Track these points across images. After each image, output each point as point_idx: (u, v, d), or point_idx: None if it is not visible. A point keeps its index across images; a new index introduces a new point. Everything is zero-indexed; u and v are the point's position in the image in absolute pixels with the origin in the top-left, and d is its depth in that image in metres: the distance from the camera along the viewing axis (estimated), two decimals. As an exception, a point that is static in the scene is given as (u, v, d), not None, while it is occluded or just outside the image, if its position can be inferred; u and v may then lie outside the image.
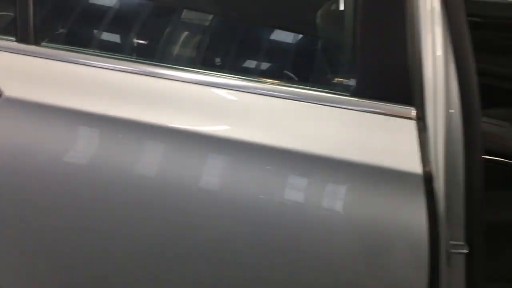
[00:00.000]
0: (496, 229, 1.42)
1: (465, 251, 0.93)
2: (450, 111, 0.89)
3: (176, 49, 1.23)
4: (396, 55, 0.87)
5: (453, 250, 0.93)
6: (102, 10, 1.25)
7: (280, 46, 1.22)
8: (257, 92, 0.96)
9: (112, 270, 1.02)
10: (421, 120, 0.85)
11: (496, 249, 1.35)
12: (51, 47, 1.10)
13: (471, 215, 0.94)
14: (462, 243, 0.94)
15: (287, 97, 0.94)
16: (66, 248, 1.04)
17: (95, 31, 1.22)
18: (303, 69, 1.11)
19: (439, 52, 0.87)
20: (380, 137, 0.86)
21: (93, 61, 1.04)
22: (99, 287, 1.05)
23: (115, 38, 1.25)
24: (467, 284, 0.98)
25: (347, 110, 0.89)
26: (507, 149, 1.68)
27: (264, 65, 1.20)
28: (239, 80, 0.98)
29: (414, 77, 0.85)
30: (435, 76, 0.86)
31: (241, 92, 0.97)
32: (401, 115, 0.85)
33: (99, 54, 1.09)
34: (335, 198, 0.89)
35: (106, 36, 1.22)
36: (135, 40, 1.22)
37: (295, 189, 0.91)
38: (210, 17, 1.29)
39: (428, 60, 0.86)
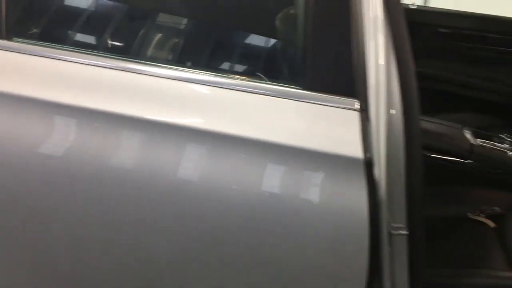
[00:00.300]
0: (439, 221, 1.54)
1: (405, 232, 1.02)
2: (391, 111, 0.99)
3: (147, 46, 1.30)
4: (342, 55, 0.97)
5: (394, 232, 1.02)
6: (76, 6, 1.31)
7: (247, 46, 1.31)
8: (226, 87, 1.04)
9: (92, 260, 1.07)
10: (364, 111, 0.94)
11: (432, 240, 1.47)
12: (24, 42, 1.15)
13: (411, 201, 1.04)
14: (403, 225, 1.03)
15: (251, 91, 1.03)
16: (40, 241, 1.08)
17: (68, 27, 1.27)
18: (265, 66, 1.20)
19: (381, 53, 0.96)
20: (327, 126, 0.96)
21: (67, 56, 1.10)
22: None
23: (88, 34, 1.31)
24: (409, 263, 1.07)
25: (300, 102, 0.98)
26: (456, 148, 1.80)
27: (234, 64, 1.27)
28: (209, 76, 1.06)
29: (358, 74, 0.95)
30: (378, 75, 0.95)
31: (211, 87, 1.05)
32: (346, 106, 0.94)
33: (72, 49, 1.15)
34: (289, 183, 0.97)
35: (79, 31, 1.28)
36: (108, 36, 1.28)
37: (255, 176, 0.99)
38: (183, 19, 1.37)
39: (371, 61, 0.96)
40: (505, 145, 1.89)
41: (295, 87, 1.02)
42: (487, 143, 1.88)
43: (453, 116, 2.24)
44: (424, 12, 2.62)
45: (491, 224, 1.59)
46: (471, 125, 2.16)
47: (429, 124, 1.94)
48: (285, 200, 0.95)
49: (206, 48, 1.25)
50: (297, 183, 0.95)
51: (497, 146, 1.87)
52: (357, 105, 0.95)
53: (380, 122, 0.96)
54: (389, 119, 0.97)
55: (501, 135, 1.99)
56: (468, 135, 1.89)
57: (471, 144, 1.81)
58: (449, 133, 1.89)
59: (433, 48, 2.62)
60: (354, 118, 0.94)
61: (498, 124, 2.24)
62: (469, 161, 1.77)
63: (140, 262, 1.06)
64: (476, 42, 2.54)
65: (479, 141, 1.87)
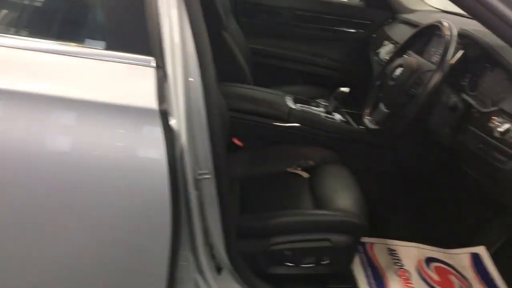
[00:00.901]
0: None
1: (208, 176, 1.17)
2: (190, 79, 1.11)
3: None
4: (137, 18, 1.06)
5: (199, 177, 1.16)
6: None
7: (57, 11, 1.32)
8: (34, 49, 1.08)
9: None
10: (160, 68, 1.05)
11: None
12: None
13: (214, 148, 1.18)
14: (207, 171, 1.17)
15: (58, 53, 1.08)
16: None
17: None
18: (72, 30, 1.25)
19: (174, 17, 1.07)
20: (127, 82, 1.05)
21: None
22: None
23: None
24: (220, 204, 1.22)
25: (102, 61, 1.06)
26: (277, 112, 2.03)
27: (44, 28, 1.27)
28: (28, 41, 1.09)
29: (153, 35, 1.05)
30: (172, 36, 1.07)
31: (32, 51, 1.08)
32: (143, 63, 1.05)
33: None
34: (86, 138, 1.05)
35: None
36: None
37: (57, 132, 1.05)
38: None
39: (165, 23, 1.06)
40: (320, 109, 2.18)
41: (98, 48, 1.10)
42: (305, 107, 2.14)
43: (289, 88, 2.50)
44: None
45: (306, 175, 1.83)
46: (304, 95, 2.43)
47: (254, 92, 2.16)
48: (84, 155, 1.03)
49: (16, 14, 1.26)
50: (97, 137, 1.03)
51: (313, 110, 2.14)
52: (153, 62, 1.05)
53: (178, 78, 1.08)
54: (186, 75, 1.10)
55: (318, 101, 2.28)
56: (288, 101, 2.14)
57: (290, 108, 2.06)
58: (271, 100, 2.11)
59: (269, 28, 2.85)
60: (150, 74, 1.04)
61: (325, 93, 2.52)
62: (288, 124, 2.02)
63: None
64: (305, 21, 2.82)
65: (298, 105, 2.13)
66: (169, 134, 1.05)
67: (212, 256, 1.29)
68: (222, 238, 1.28)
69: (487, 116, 1.41)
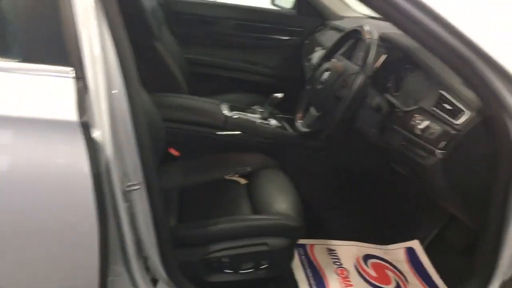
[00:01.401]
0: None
1: (137, 187, 1.15)
2: (113, 91, 1.09)
3: None
4: (53, 30, 1.04)
5: (128, 189, 1.14)
6: None
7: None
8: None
9: None
10: (81, 79, 1.03)
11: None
12: None
13: (143, 159, 1.17)
14: (136, 182, 1.15)
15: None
16: None
17: None
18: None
19: (94, 28, 1.06)
20: (45, 94, 1.02)
21: None
22: None
23: None
24: (152, 212, 1.21)
25: (19, 74, 1.03)
26: (213, 121, 2.03)
27: None
28: None
29: (71, 45, 1.03)
30: (91, 46, 1.05)
31: None
32: (62, 75, 1.02)
33: None
34: (12, 152, 1.01)
35: None
36: None
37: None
38: None
39: (84, 36, 1.04)
40: (256, 115, 2.20)
41: (14, 60, 1.06)
42: (241, 114, 2.16)
43: (226, 96, 2.51)
44: (188, 3, 2.83)
45: (244, 181, 1.84)
46: (241, 103, 2.45)
47: (189, 101, 2.16)
48: (3, 173, 0.99)
49: None
50: (17, 154, 1.00)
51: (249, 116, 2.16)
52: (72, 73, 1.02)
53: (99, 89, 1.06)
54: (109, 86, 1.08)
55: (253, 107, 2.31)
56: (224, 109, 2.15)
57: (226, 116, 2.07)
58: (207, 108, 2.12)
59: (204, 37, 2.86)
60: (69, 85, 1.02)
61: (261, 100, 2.55)
62: (224, 132, 2.03)
63: None
64: (240, 30, 2.85)
65: (234, 113, 2.15)
66: (92, 147, 1.03)
67: (147, 268, 1.27)
68: (157, 249, 1.26)
69: (409, 115, 1.48)
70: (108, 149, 1.08)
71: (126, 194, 1.15)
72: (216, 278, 1.52)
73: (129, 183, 1.15)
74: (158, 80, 2.15)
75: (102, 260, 1.10)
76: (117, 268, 1.19)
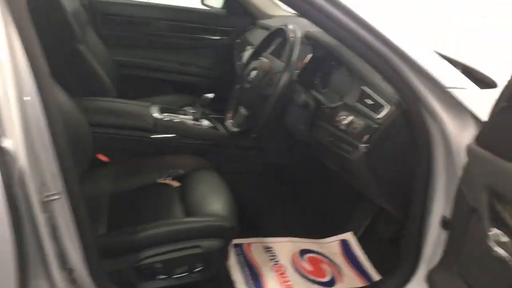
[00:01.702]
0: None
1: (57, 197, 1.10)
2: (25, 98, 1.04)
3: None
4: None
5: (46, 199, 1.08)
6: None
7: None
8: None
9: None
10: None
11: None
12: None
13: (63, 167, 1.12)
14: (55, 191, 1.10)
15: None
16: None
17: None
18: None
19: (1, 35, 0.99)
20: None
21: None
22: None
23: None
24: (75, 221, 1.16)
25: None
26: (142, 123, 1.99)
27: None
28: None
29: None
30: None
31: None
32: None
33: None
34: None
35: None
36: None
37: None
38: None
39: None
40: (188, 116, 2.18)
41: None
42: (172, 116, 2.12)
43: (160, 99, 2.46)
44: (114, 4, 2.74)
45: (176, 184, 1.81)
46: (175, 104, 2.41)
47: (117, 104, 2.09)
48: None
49: None
50: None
51: (180, 118, 2.13)
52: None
53: (9, 96, 1.00)
54: (20, 93, 1.02)
55: (185, 108, 2.28)
56: (154, 111, 2.10)
57: (156, 118, 2.03)
58: (136, 111, 2.06)
59: (134, 39, 2.79)
60: None
61: (195, 100, 2.53)
62: (156, 134, 1.99)
63: None
64: (170, 30, 2.81)
65: (165, 115, 2.11)
66: (3, 157, 0.97)
67: (73, 281, 1.22)
68: (82, 260, 1.21)
69: (335, 111, 1.52)
70: (22, 159, 1.02)
71: (45, 205, 1.09)
72: (150, 285, 1.48)
73: (48, 193, 1.10)
74: (84, 84, 2.08)
75: (20, 274, 1.04)
76: (39, 282, 1.13)
